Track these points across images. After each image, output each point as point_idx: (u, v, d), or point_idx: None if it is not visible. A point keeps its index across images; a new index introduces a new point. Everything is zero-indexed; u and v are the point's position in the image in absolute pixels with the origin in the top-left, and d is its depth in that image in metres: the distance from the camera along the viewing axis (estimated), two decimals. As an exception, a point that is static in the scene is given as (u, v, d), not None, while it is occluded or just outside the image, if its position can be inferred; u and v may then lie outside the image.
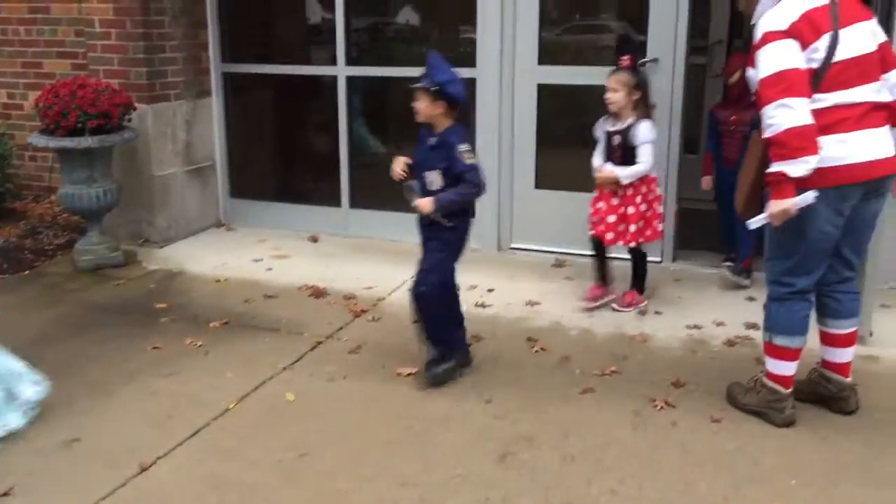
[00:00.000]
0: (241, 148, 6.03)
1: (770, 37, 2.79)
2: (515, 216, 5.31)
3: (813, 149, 2.71)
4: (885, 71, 2.90)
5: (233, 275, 4.97)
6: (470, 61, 5.16)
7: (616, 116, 4.12)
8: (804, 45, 2.77)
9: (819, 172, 2.74)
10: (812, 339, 3.19)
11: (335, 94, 5.59)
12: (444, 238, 3.45)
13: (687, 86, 4.84)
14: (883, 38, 2.93)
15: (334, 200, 5.77)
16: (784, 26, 2.78)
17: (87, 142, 4.73)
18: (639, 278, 4.37)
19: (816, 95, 2.77)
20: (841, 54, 2.79)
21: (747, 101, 4.19)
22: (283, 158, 6.21)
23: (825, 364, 3.23)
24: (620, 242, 4.22)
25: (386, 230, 5.52)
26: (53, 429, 3.19)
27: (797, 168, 2.71)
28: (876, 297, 3.86)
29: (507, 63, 5.08)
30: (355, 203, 5.73)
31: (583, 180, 5.33)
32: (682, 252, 5.06)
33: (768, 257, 3.11)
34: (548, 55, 5.09)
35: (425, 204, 3.33)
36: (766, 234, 3.07)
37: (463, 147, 3.31)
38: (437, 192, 3.35)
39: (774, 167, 2.76)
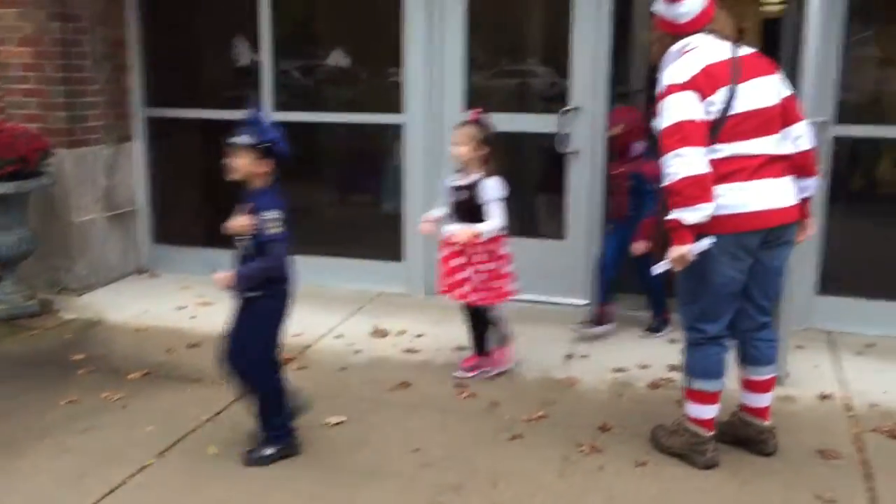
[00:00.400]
0: (165, 193, 5.93)
1: (671, 89, 2.90)
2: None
3: (707, 197, 2.80)
4: (787, 124, 3.02)
5: (154, 323, 4.84)
6: (396, 106, 5.21)
7: (463, 171, 3.89)
8: (702, 98, 2.86)
9: (718, 220, 2.84)
10: (733, 381, 3.28)
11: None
12: (257, 309, 3.14)
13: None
14: (787, 92, 3.06)
15: (261, 246, 5.68)
16: (684, 79, 2.88)
17: (2, 187, 4.58)
18: (479, 340, 4.10)
19: (715, 146, 2.88)
20: (739, 107, 2.89)
21: (630, 153, 4.29)
22: (209, 203, 6.11)
23: (744, 408, 3.30)
24: (468, 300, 3.96)
25: (315, 275, 5.44)
26: None
27: (692, 215, 2.81)
28: (791, 339, 3.99)
29: (435, 109, 5.14)
30: (283, 248, 5.66)
31: (510, 224, 5.42)
32: (609, 295, 5.13)
33: (680, 304, 3.20)
34: (474, 101, 5.15)
35: (221, 280, 3.06)
36: (675, 281, 3.16)
37: (270, 214, 3.05)
38: (243, 261, 3.10)
39: (672, 214, 2.85)
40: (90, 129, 5.32)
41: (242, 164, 3.10)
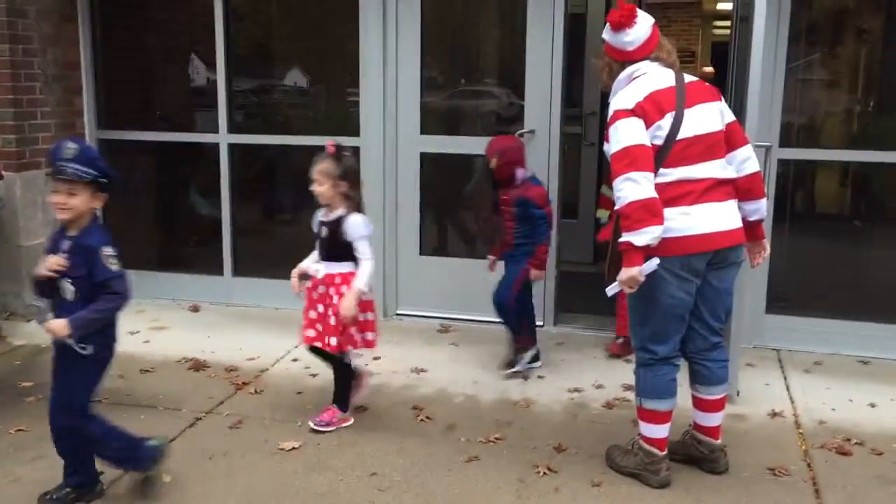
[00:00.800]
0: (118, 216, 5.83)
1: (618, 115, 2.97)
2: (400, 282, 5.34)
3: (655, 220, 2.86)
4: (732, 149, 3.10)
5: (107, 349, 4.75)
6: (353, 129, 5.22)
7: (328, 207, 3.67)
8: (648, 124, 2.93)
9: (664, 242, 2.90)
10: (685, 400, 3.33)
11: (217, 161, 5.52)
12: (82, 365, 2.91)
13: (563, 154, 5.04)
14: (731, 118, 3.14)
15: (216, 269, 5.65)
16: (630, 105, 2.96)
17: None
18: (340, 392, 3.78)
19: (662, 170, 2.94)
20: (684, 132, 2.95)
21: (515, 181, 4.18)
22: (163, 226, 6.06)
23: (696, 427, 3.36)
24: (318, 344, 3.66)
25: (270, 298, 5.44)
26: None
27: (641, 238, 2.86)
28: (741, 357, 4.07)
29: (390, 132, 5.16)
30: (238, 271, 5.63)
31: (467, 247, 5.45)
32: (564, 315, 5.20)
33: (631, 325, 3.25)
34: (430, 124, 5.20)
35: (60, 328, 2.77)
36: (628, 304, 3.22)
37: (108, 250, 2.86)
38: (71, 307, 2.84)
39: (623, 237, 2.91)
40: (40, 152, 5.22)
41: (75, 202, 2.83)
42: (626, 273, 2.92)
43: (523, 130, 4.93)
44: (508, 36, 5.46)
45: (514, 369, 4.37)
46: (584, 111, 6.70)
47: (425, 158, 5.21)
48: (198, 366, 4.49)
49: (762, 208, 3.21)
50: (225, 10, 5.33)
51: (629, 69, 3.08)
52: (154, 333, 5.03)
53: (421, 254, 5.31)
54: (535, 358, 4.43)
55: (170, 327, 5.16)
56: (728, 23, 6.62)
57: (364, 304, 3.66)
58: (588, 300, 5.18)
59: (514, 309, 4.32)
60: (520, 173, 4.21)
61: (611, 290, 3.05)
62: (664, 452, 3.22)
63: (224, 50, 5.37)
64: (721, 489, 3.21)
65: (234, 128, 5.50)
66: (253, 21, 5.86)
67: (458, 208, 5.52)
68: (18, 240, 5.13)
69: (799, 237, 4.92)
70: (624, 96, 3.00)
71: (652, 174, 2.90)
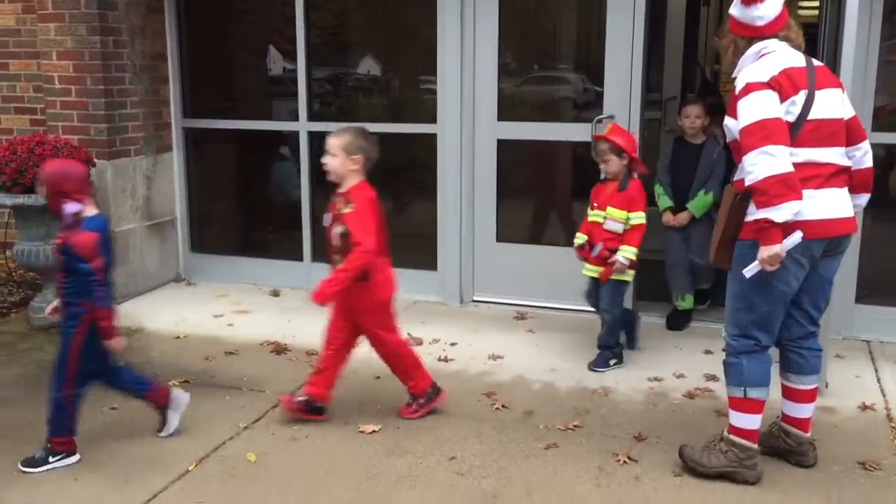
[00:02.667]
0: (202, 202, 6.02)
1: (752, 87, 2.87)
2: (477, 269, 5.35)
3: (794, 195, 2.76)
4: (853, 142, 3.01)
5: (192, 331, 4.91)
6: (430, 116, 5.24)
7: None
8: (783, 98, 2.84)
9: (787, 226, 2.80)
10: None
11: (297, 148, 5.62)
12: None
13: (643, 140, 4.96)
14: (852, 112, 3.04)
15: (296, 254, 5.76)
16: (765, 77, 2.86)
17: (43, 199, 4.66)
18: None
19: (791, 149, 2.84)
20: (815, 113, 2.87)
21: (63, 219, 3.26)
22: (244, 213, 6.20)
23: (785, 418, 3.26)
24: None
25: (348, 284, 5.50)
26: (10, 494, 3.09)
27: (781, 213, 2.76)
28: (830, 348, 3.94)
29: (467, 118, 5.16)
30: (318, 257, 5.72)
31: (544, 233, 5.42)
32: (643, 303, 5.12)
33: (731, 311, 3.11)
34: (507, 110, 5.18)
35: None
36: (728, 288, 3.11)
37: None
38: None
39: (759, 214, 2.80)
40: (130, 140, 5.43)
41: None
42: (767, 251, 2.81)
43: (602, 116, 4.87)
44: (586, 19, 5.40)
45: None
46: (664, 96, 6.57)
47: (502, 145, 5.20)
48: (279, 349, 4.59)
49: (864, 203, 3.14)
50: (305, -1, 5.41)
51: (757, 46, 2.98)
52: (237, 317, 5.16)
53: (498, 240, 5.30)
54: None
55: (252, 311, 5.28)
56: (816, 3, 6.38)
57: None
58: (667, 287, 5.10)
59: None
60: (70, 208, 3.22)
61: (749, 270, 2.92)
62: (757, 445, 3.12)
63: (304, 39, 5.45)
64: (809, 483, 3.13)
65: (313, 116, 5.59)
66: (328, 10, 5.93)
67: (536, 195, 5.48)
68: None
69: (891, 225, 4.73)
70: (756, 69, 2.91)
71: (787, 148, 2.80)
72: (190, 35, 5.79)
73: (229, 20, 6.01)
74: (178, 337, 4.81)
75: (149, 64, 5.56)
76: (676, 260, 4.87)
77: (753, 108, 2.84)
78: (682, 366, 4.28)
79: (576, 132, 5.01)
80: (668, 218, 4.83)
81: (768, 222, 2.79)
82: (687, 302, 4.89)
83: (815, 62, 3.01)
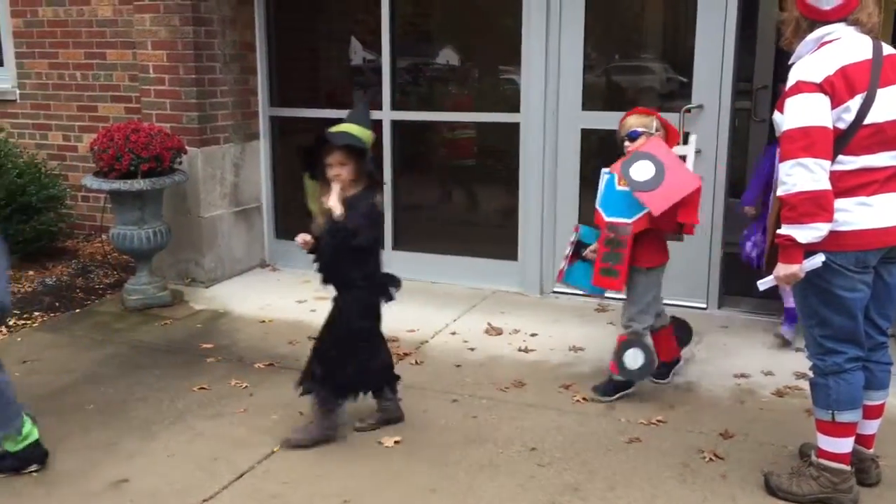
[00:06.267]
0: (286, 190, 6.12)
1: (802, 87, 2.62)
2: (558, 259, 5.28)
3: (825, 216, 2.58)
4: None
5: (277, 315, 5.02)
6: (510, 105, 5.21)
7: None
8: (836, 103, 2.61)
9: (839, 237, 2.62)
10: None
11: (379, 137, 5.66)
12: None
13: (733, 130, 4.82)
14: None
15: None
16: (818, 78, 2.60)
17: (139, 184, 4.85)
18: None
19: (841, 157, 2.63)
20: (874, 117, 2.62)
21: None
22: (327, 200, 6.29)
23: None
24: None
25: (429, 272, 5.54)
26: (102, 469, 3.22)
27: (806, 233, 2.59)
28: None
29: (551, 108, 5.11)
30: (398, 245, 5.77)
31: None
32: (729, 298, 5.00)
33: (806, 327, 2.91)
34: (591, 99, 5.11)
35: None
36: (796, 306, 2.94)
37: None
38: None
39: (783, 229, 2.64)
40: (219, 129, 5.57)
41: None
42: (784, 269, 2.66)
43: (690, 105, 4.75)
44: (674, 4, 5.27)
45: None
46: (755, 85, 6.37)
47: (585, 134, 5.13)
48: (361, 335, 4.64)
49: None
50: (390, -11, 5.44)
51: (820, 31, 2.71)
52: (320, 303, 5.18)
53: (579, 231, 5.24)
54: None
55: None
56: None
57: None
58: (754, 283, 4.95)
59: None
60: None
61: (763, 284, 2.81)
62: (851, 467, 2.92)
63: (389, 29, 5.48)
64: (878, 500, 2.97)
65: (395, 105, 5.62)
66: (412, 0, 5.95)
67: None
68: (199, 211, 5.48)
69: None
70: (811, 65, 2.66)
71: (828, 163, 2.59)
72: (277, 26, 5.90)
73: (315, 11, 6.09)
74: (263, 321, 4.93)
75: (238, 54, 5.68)
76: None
77: (800, 112, 2.61)
78: (771, 363, 4.15)
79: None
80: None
81: (790, 240, 2.62)
82: None
83: (887, 50, 2.69)
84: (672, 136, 3.79)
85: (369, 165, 3.26)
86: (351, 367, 3.35)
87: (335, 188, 3.21)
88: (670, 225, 3.65)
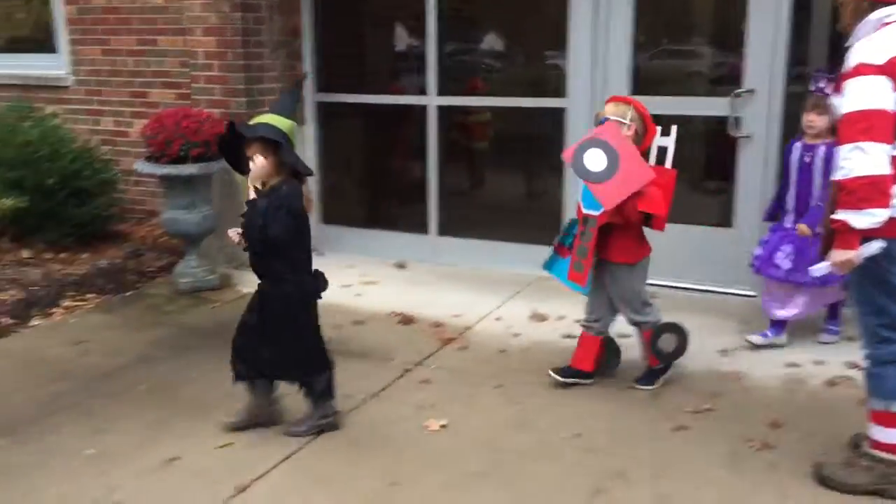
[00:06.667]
0: (332, 175, 6.17)
1: (863, 69, 2.57)
2: (604, 246, 5.25)
3: (883, 201, 2.52)
4: None
5: (322, 300, 5.04)
6: (555, 90, 5.17)
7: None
8: None
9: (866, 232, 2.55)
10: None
11: (425, 122, 5.67)
12: None
13: (785, 116, 4.73)
14: None
15: (423, 228, 5.83)
16: (881, 60, 2.55)
17: (189, 169, 4.92)
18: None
19: None
20: None
21: None
22: (372, 186, 6.33)
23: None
24: None
25: (473, 258, 5.55)
26: (156, 448, 3.30)
27: (862, 219, 2.54)
28: None
29: (598, 92, 5.05)
30: (444, 230, 5.78)
31: (673, 210, 5.28)
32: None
33: (860, 315, 2.85)
34: (638, 84, 5.05)
35: None
36: (850, 294, 2.88)
37: None
38: None
39: (839, 214, 2.59)
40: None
41: None
42: (839, 255, 2.61)
43: (741, 90, 4.67)
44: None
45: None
46: (810, 69, 6.22)
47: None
48: (406, 320, 4.67)
49: None
50: (436, -26, 5.43)
51: (882, 12, 2.65)
52: (365, 287, 5.28)
53: (626, 218, 5.19)
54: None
55: (378, 282, 5.40)
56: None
57: None
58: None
59: None
60: None
61: (817, 271, 2.76)
62: None
63: (436, 14, 5.47)
64: None
65: (441, 90, 5.62)
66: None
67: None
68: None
69: None
70: (872, 47, 2.60)
71: (889, 147, 2.54)
72: (324, 12, 5.92)
73: (361, -2, 6.12)
74: (309, 305, 4.97)
75: (285, 40, 5.72)
76: None
77: (859, 95, 2.56)
78: (822, 352, 4.08)
79: (712, 106, 4.83)
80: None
81: (846, 225, 2.56)
82: None
83: None
84: (649, 126, 3.65)
85: (290, 157, 3.20)
86: (276, 348, 3.32)
87: (249, 181, 3.20)
88: (637, 217, 3.50)
